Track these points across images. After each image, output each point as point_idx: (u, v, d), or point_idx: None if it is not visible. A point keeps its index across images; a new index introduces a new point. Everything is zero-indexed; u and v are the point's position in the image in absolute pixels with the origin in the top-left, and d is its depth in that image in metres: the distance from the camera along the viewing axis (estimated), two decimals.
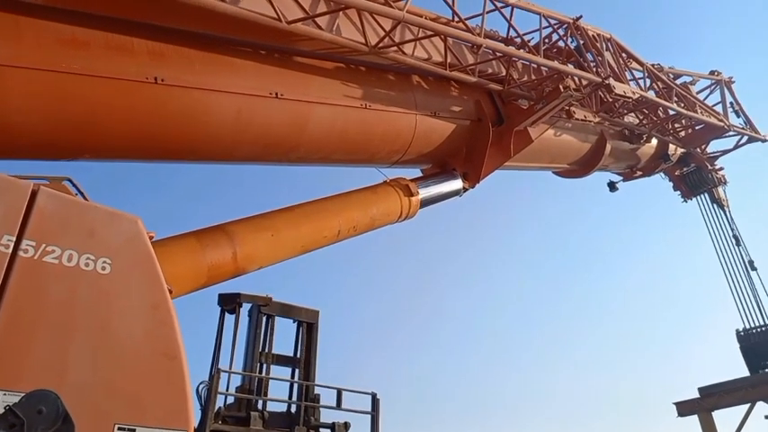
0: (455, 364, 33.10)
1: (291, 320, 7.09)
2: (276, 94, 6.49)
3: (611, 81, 9.31)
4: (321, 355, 6.98)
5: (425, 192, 8.70)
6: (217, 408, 5.89)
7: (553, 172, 12.61)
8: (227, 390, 6.12)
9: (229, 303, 6.59)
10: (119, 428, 3.38)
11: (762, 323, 13.36)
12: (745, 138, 13.95)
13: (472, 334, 35.67)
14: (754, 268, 14.05)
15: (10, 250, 3.36)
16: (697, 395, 13.21)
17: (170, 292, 3.96)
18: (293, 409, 6.61)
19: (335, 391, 6.59)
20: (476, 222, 38.70)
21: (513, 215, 39.57)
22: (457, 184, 9.10)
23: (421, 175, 9.56)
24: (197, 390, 5.97)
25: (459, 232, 37.54)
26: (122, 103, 5.37)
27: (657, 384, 29.72)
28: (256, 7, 5.82)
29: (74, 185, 4.61)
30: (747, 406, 12.68)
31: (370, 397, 6.72)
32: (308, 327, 7.07)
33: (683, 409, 13.17)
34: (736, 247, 14.34)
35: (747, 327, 13.49)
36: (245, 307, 6.68)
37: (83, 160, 5.93)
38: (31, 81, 4.82)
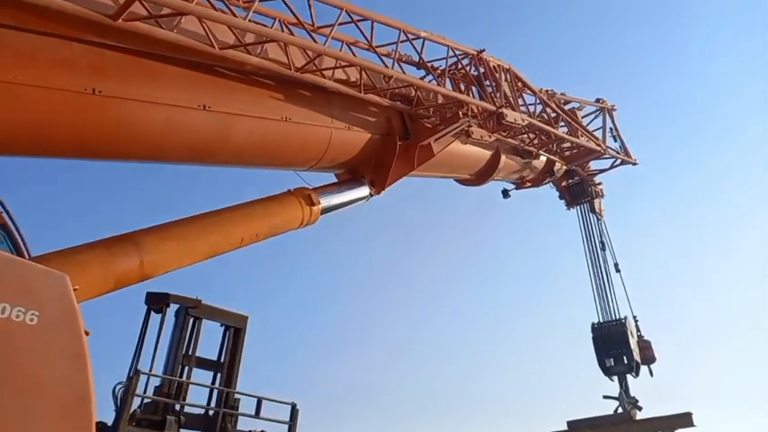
0: (385, 368, 34.11)
1: (219, 324, 7.22)
2: (204, 106, 6.92)
3: (504, 110, 10.65)
4: (246, 361, 7.11)
5: (328, 200, 9.38)
6: (133, 410, 5.99)
7: (454, 180, 14.01)
8: (144, 392, 6.19)
9: (157, 303, 6.68)
10: None
11: (614, 319, 15.68)
12: (620, 160, 16.05)
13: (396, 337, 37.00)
14: (618, 270, 16.31)
15: None
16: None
17: (86, 333, 4.35)
18: (211, 413, 6.65)
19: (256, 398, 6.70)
20: (393, 225, 39.73)
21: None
22: (364, 191, 9.97)
23: (334, 180, 10.50)
24: (113, 391, 6.02)
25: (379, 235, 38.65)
26: (65, 110, 5.82)
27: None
28: (192, 28, 6.43)
29: (2, 206, 5.09)
30: None
31: (289, 407, 6.89)
32: (235, 331, 7.19)
33: None
34: (602, 252, 16.57)
35: (601, 321, 15.78)
36: (173, 307, 6.77)
37: (33, 157, 6.43)
38: None
